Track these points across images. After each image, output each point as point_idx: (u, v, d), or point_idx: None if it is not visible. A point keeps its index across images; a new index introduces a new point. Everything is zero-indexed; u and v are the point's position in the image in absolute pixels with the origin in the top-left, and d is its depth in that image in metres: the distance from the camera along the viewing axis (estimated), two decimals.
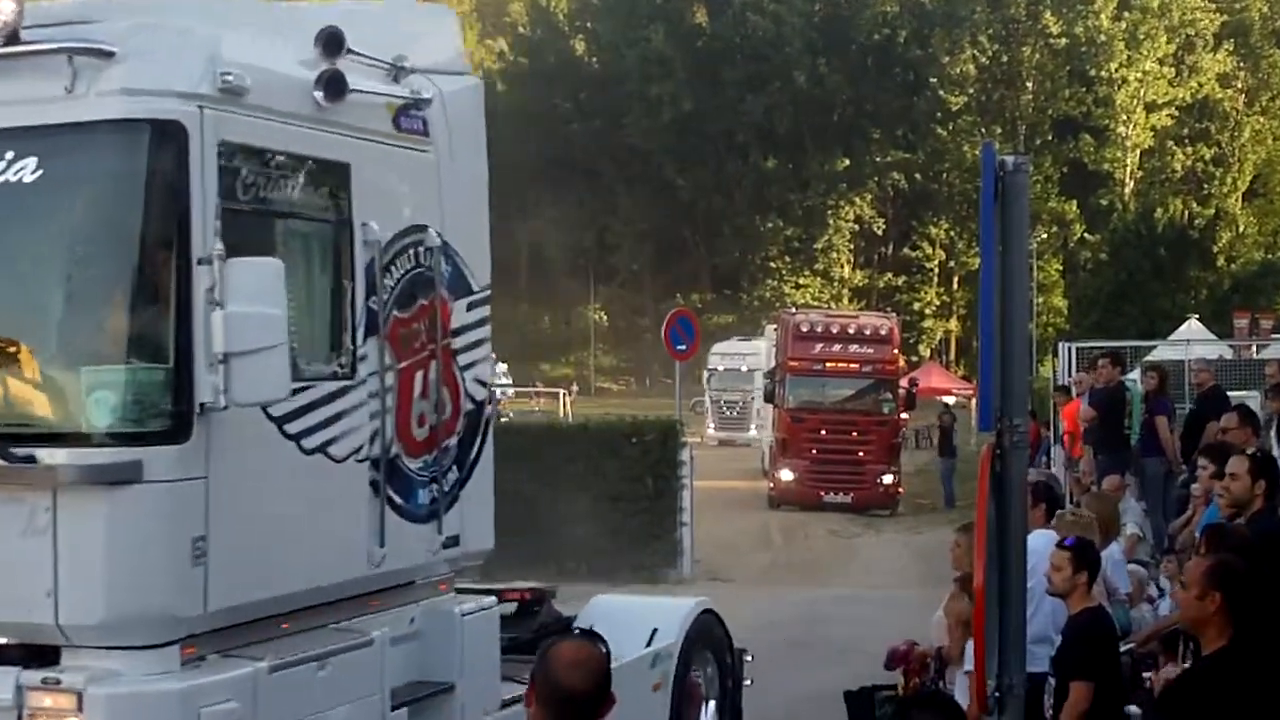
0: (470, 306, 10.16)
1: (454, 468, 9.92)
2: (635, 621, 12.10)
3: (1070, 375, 27.49)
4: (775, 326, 45.32)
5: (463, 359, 10.02)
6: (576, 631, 4.51)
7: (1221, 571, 6.32)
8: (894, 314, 44.43)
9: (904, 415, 40.59)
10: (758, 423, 57.58)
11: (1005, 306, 5.46)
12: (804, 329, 38.49)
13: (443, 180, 9.85)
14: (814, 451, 37.00)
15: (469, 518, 10.10)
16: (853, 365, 37.84)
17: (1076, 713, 8.10)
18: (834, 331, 38.38)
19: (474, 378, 10.18)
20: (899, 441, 39.30)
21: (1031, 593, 8.38)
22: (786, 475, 37.10)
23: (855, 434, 37.43)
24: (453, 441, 9.90)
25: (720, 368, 61.51)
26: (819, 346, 37.80)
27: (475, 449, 10.23)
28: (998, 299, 5.44)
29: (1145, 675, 9.26)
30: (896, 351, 39.70)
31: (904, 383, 40.05)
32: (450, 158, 9.97)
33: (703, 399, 62.63)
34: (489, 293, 10.44)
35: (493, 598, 10.65)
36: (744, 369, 57.52)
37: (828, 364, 37.83)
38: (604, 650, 4.45)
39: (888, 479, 37.11)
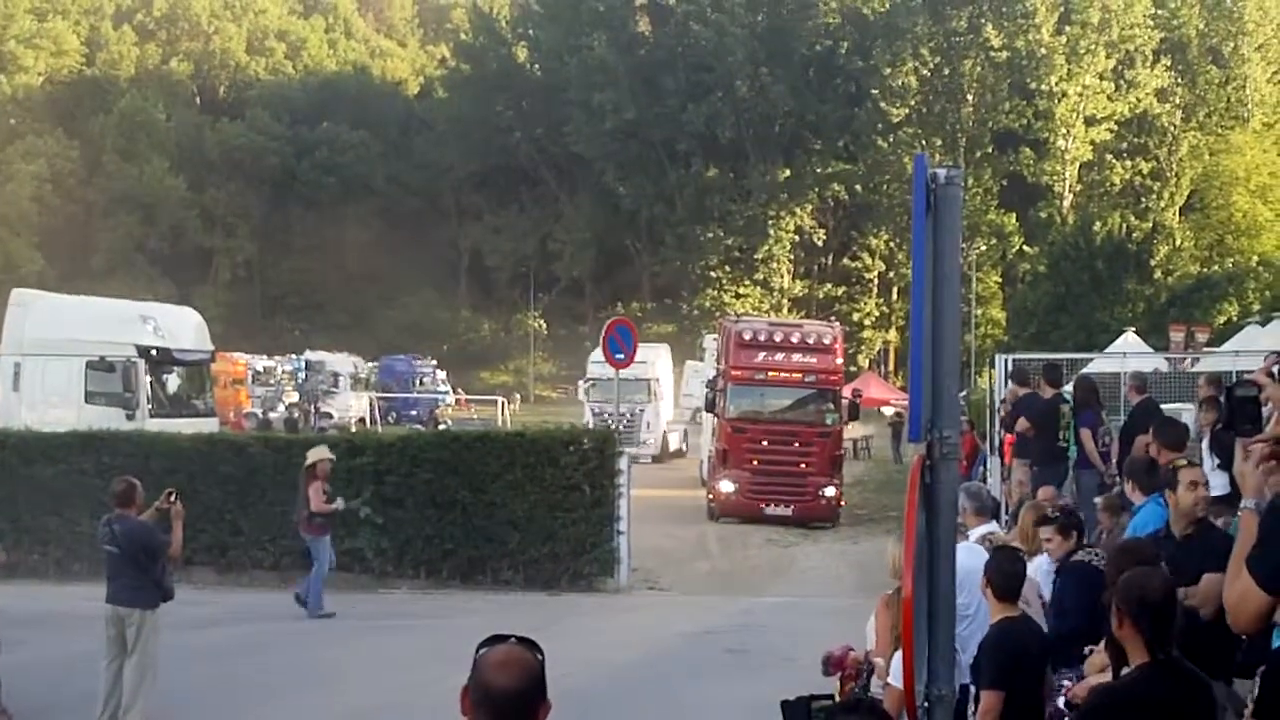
0: None
1: None
2: None
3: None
4: (715, 335, 44.81)
5: None
6: (512, 639, 4.51)
7: (1125, 590, 6.38)
8: (837, 323, 43.55)
9: (847, 426, 39.85)
10: (646, 436, 56.19)
11: (936, 318, 5.47)
12: (746, 337, 37.22)
13: None
14: (755, 463, 35.85)
15: None
16: (795, 375, 36.63)
17: None
18: (777, 340, 37.06)
19: None
20: (842, 453, 38.31)
21: (965, 607, 8.46)
22: (727, 487, 36.01)
23: (797, 445, 36.19)
24: None
25: (602, 376, 56.15)
26: (761, 355, 36.58)
27: None
28: (929, 311, 5.45)
29: (1063, 684, 9.31)
30: (840, 361, 38.36)
31: (847, 393, 39.20)
32: None
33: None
34: None
35: None
36: (633, 378, 52.80)
37: (770, 373, 36.58)
38: (538, 656, 4.47)
39: (830, 491, 35.95)
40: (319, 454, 23.15)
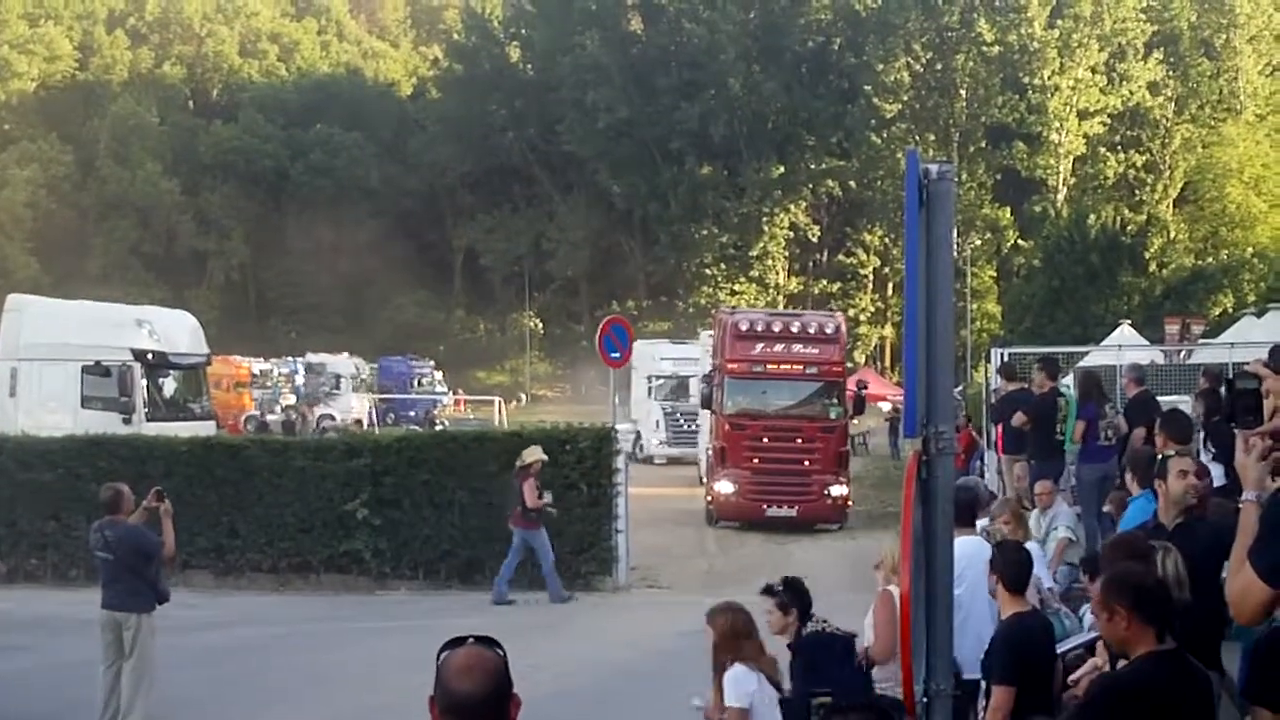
0: None
1: None
2: None
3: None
4: (711, 332, 43.64)
5: None
6: (470, 640, 4.50)
7: (1118, 584, 6.35)
8: (839, 312, 41.34)
9: (853, 420, 38.28)
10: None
11: (930, 313, 5.45)
12: (743, 328, 35.05)
13: None
14: (755, 461, 33.73)
15: None
16: (797, 367, 34.46)
17: (998, 718, 8.20)
18: (776, 330, 34.85)
19: None
20: (847, 449, 36.49)
21: (959, 600, 8.45)
22: (726, 488, 33.90)
23: (800, 441, 34.09)
24: None
25: (672, 373, 55.06)
26: (760, 347, 34.41)
27: None
28: (922, 306, 5.45)
29: (1071, 679, 9.33)
30: (844, 352, 36.51)
31: (852, 384, 36.91)
32: None
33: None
34: None
35: None
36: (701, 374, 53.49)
37: (769, 366, 34.44)
38: (499, 653, 4.46)
39: (836, 490, 34.04)
40: (534, 454, 24.06)
